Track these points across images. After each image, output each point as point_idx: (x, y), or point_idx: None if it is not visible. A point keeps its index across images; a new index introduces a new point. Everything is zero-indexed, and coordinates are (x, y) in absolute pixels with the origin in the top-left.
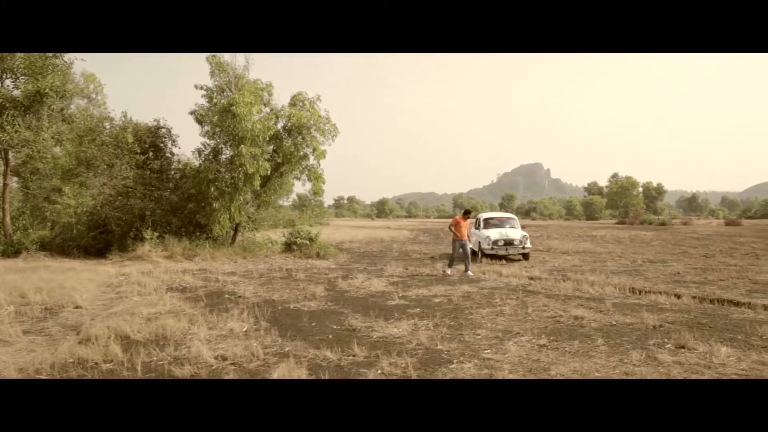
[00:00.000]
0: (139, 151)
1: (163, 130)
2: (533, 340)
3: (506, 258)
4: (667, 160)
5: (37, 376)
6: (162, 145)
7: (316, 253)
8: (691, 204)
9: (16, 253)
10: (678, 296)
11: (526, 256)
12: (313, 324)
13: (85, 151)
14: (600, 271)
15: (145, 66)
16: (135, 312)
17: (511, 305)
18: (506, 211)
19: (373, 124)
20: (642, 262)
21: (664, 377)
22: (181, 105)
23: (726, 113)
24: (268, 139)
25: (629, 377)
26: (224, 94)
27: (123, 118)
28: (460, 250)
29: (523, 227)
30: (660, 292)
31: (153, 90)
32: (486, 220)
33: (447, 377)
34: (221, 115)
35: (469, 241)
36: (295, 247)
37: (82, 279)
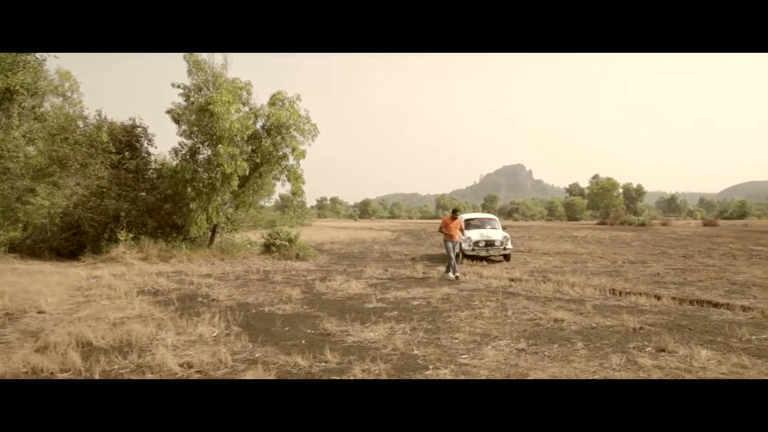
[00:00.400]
0: (114, 150)
1: (139, 129)
2: (512, 344)
3: (487, 259)
4: (646, 162)
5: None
6: (138, 144)
7: (296, 255)
8: (670, 205)
9: None
10: (658, 297)
11: (507, 257)
12: (287, 328)
13: (57, 151)
14: (580, 272)
15: (121, 65)
16: (101, 317)
17: (490, 308)
18: (488, 212)
19: (357, 125)
20: (622, 262)
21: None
22: (159, 104)
23: (704, 116)
24: (246, 138)
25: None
26: (202, 92)
27: (97, 117)
28: (452, 251)
29: (504, 228)
30: (640, 294)
31: (129, 89)
32: (467, 220)
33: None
34: (198, 114)
35: (461, 240)
36: (274, 249)
37: (49, 282)
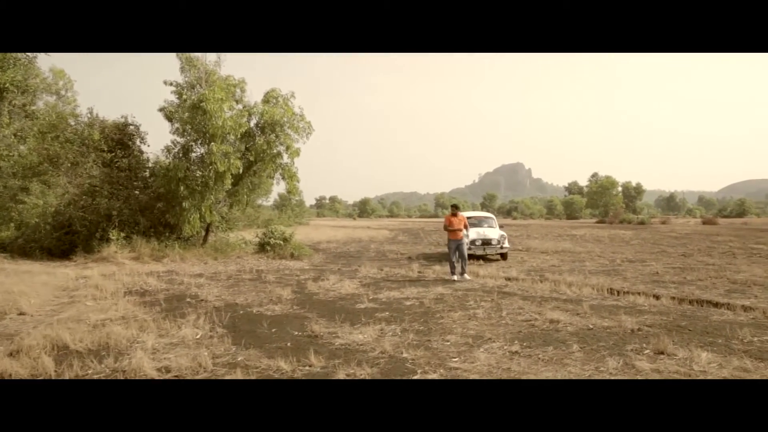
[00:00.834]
0: (105, 148)
1: (132, 127)
2: (505, 347)
3: (484, 258)
4: (646, 161)
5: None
6: (130, 142)
7: (290, 254)
8: (670, 203)
9: None
10: (657, 297)
11: (504, 256)
12: (273, 330)
13: (48, 149)
14: (578, 271)
15: (114, 64)
16: (83, 319)
17: (485, 308)
18: (487, 211)
19: (356, 125)
20: (621, 261)
21: None
22: (154, 102)
23: (703, 115)
24: (240, 136)
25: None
26: (195, 90)
27: (89, 115)
28: (456, 252)
29: (502, 226)
30: (638, 293)
31: (123, 88)
32: None
33: None
34: (191, 112)
35: (467, 236)
36: (268, 248)
37: (35, 282)
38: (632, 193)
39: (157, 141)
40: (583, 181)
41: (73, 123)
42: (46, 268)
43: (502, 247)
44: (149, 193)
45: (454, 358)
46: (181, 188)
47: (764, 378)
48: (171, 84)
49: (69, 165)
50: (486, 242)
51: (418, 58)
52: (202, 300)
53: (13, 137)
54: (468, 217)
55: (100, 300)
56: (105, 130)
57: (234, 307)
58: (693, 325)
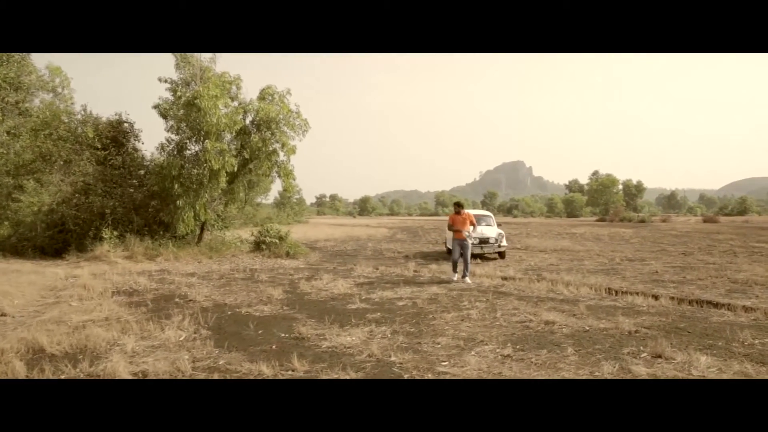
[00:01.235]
0: (99, 146)
1: (126, 124)
2: (497, 350)
3: (481, 257)
4: (647, 159)
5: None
6: (124, 140)
7: (286, 253)
8: (670, 201)
9: None
10: (656, 297)
11: (502, 255)
12: (260, 332)
13: (40, 146)
14: (577, 270)
15: (109, 62)
16: (64, 320)
17: (479, 309)
18: (487, 209)
19: (357, 123)
20: (620, 260)
21: None
22: (150, 100)
23: (704, 113)
24: (235, 133)
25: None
26: (190, 87)
27: (83, 112)
28: (460, 252)
29: (500, 225)
30: (637, 293)
31: (119, 86)
32: None
33: None
34: (186, 109)
35: (470, 236)
36: (264, 246)
37: (21, 282)
38: (633, 191)
39: (156, 139)
40: (584, 180)
41: (66, 120)
42: (36, 267)
43: (499, 246)
44: (144, 191)
45: (444, 362)
46: (176, 186)
47: (764, 378)
48: (166, 81)
49: (62, 163)
50: (484, 241)
51: (419, 58)
52: (190, 300)
53: (6, 135)
54: None
55: (86, 300)
56: (99, 127)
57: (222, 307)
58: (692, 326)
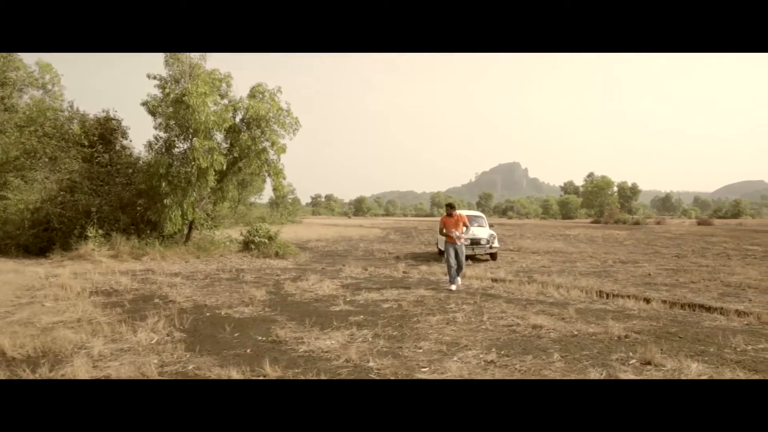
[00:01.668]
0: (86, 143)
1: (114, 121)
2: (481, 355)
3: (472, 258)
4: (642, 161)
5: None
6: (112, 137)
7: (275, 253)
8: (665, 204)
9: None
10: (647, 300)
11: (493, 256)
12: (236, 335)
13: (25, 143)
14: (568, 272)
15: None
16: (33, 321)
17: (465, 312)
18: (482, 210)
19: (354, 124)
20: (613, 262)
21: None
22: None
23: (699, 115)
24: (224, 132)
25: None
26: (179, 84)
27: (70, 109)
28: (454, 256)
29: (492, 226)
30: (629, 296)
31: (124, 86)
32: None
33: None
34: (174, 106)
35: (459, 237)
36: (253, 246)
37: None
38: (628, 194)
39: (150, 137)
40: (579, 181)
41: (52, 117)
42: (18, 266)
43: (491, 247)
44: (131, 189)
45: (424, 368)
46: (163, 184)
47: (764, 378)
48: (155, 77)
49: (47, 160)
50: (475, 242)
51: (415, 58)
52: (170, 301)
53: None
54: None
55: (62, 301)
56: (86, 124)
57: (202, 308)
58: (684, 331)
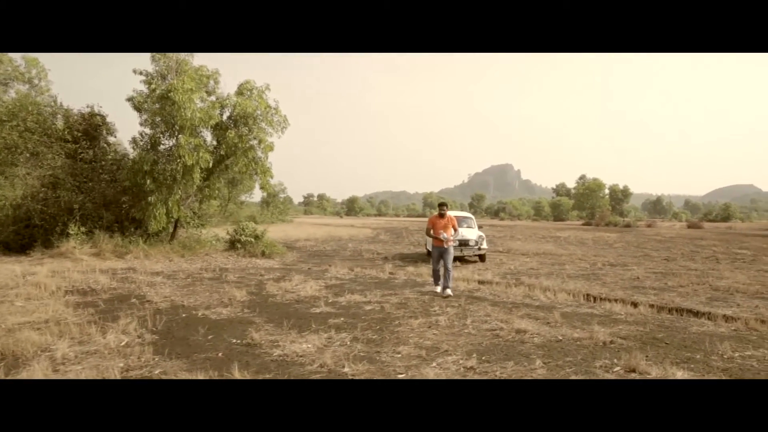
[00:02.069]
0: (70, 139)
1: (98, 117)
2: (461, 361)
3: (461, 259)
4: (634, 164)
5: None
6: (96, 133)
7: (261, 252)
8: (656, 207)
9: None
10: (635, 305)
11: (482, 258)
12: (210, 337)
13: (5, 138)
14: (557, 274)
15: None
16: None
17: (449, 315)
18: (474, 211)
19: (347, 124)
20: (602, 265)
21: None
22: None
23: (690, 119)
24: (211, 129)
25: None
26: (166, 80)
27: (53, 104)
28: (438, 260)
29: (481, 227)
30: (616, 300)
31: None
32: None
33: None
34: (160, 103)
35: (447, 241)
36: (239, 245)
37: None
38: (619, 196)
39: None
40: (571, 183)
41: (35, 111)
42: None
43: (479, 249)
44: (115, 186)
45: (401, 374)
46: (148, 182)
47: (764, 378)
48: (141, 73)
49: (29, 155)
50: (463, 243)
51: (410, 58)
52: (147, 301)
53: None
54: None
55: (34, 300)
56: (70, 120)
57: (178, 309)
58: (670, 337)
